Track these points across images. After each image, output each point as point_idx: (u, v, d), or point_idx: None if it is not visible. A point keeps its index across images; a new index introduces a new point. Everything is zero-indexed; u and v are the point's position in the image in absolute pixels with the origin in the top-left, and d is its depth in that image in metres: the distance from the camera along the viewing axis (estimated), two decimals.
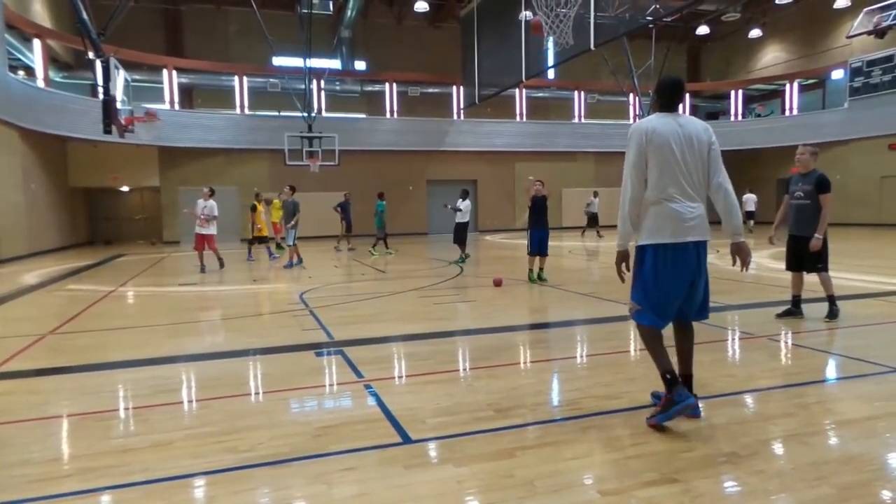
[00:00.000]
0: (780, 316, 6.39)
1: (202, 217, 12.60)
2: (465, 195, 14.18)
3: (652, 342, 3.45)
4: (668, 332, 3.47)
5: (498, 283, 9.45)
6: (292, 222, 13.40)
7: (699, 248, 3.39)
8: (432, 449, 3.16)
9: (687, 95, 30.36)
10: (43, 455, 3.21)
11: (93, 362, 5.26)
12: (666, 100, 3.48)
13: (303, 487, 2.75)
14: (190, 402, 4.21)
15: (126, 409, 4.05)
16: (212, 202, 12.65)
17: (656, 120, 3.40)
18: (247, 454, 3.11)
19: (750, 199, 22.32)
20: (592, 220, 22.22)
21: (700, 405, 3.52)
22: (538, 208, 9.87)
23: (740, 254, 3.46)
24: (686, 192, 3.35)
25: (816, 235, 5.92)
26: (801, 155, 6.11)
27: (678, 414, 3.28)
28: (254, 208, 15.83)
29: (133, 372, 4.92)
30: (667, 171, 3.33)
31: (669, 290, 3.37)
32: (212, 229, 12.69)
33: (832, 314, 6.16)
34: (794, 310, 6.35)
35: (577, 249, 17.44)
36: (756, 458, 2.92)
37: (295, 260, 13.36)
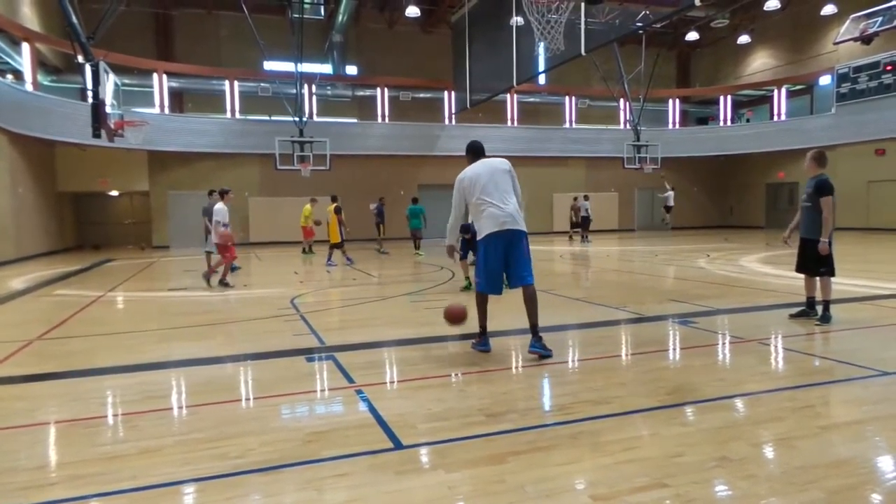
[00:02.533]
0: (793, 316, 6.48)
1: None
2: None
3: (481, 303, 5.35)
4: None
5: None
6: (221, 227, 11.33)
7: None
8: (424, 454, 3.16)
9: (676, 101, 30.68)
10: (30, 462, 3.17)
11: (81, 368, 5.21)
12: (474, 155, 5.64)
13: (294, 494, 2.74)
14: (179, 408, 4.18)
15: (115, 415, 4.01)
16: (218, 205, 10.93)
17: (472, 168, 5.44)
18: (237, 460, 3.09)
19: (670, 196, 24.39)
20: (585, 223, 22.22)
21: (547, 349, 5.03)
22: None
23: None
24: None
25: (822, 239, 5.99)
26: (806, 163, 6.37)
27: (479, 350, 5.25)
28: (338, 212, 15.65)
29: (122, 378, 4.88)
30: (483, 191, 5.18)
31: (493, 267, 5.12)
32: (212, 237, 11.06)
33: (825, 319, 6.21)
34: (808, 311, 6.42)
35: (567, 254, 17.47)
36: (746, 463, 2.93)
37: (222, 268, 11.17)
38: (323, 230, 16.31)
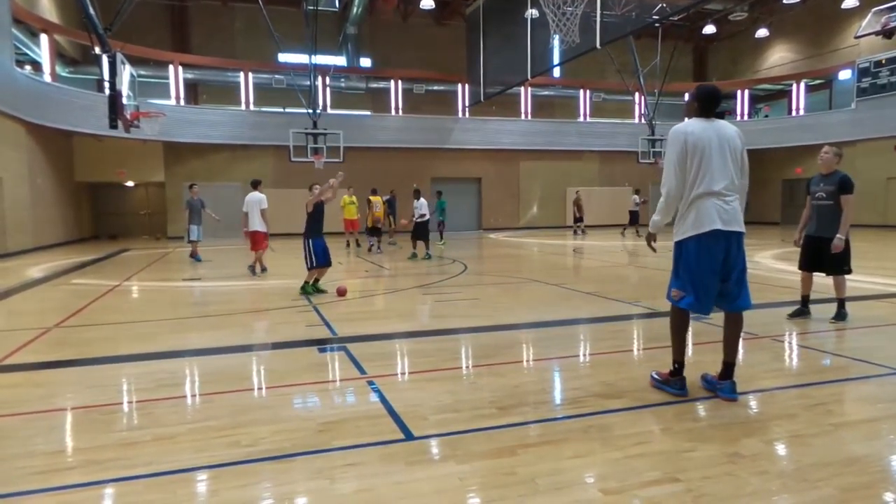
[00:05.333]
0: (791, 316, 6.39)
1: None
2: (417, 195, 15.04)
3: (679, 324, 3.91)
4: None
5: (342, 293, 8.42)
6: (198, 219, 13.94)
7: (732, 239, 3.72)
8: (434, 446, 3.17)
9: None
10: (47, 447, 3.23)
11: (97, 356, 5.29)
12: (704, 106, 3.83)
13: (305, 482, 2.76)
14: (193, 396, 4.22)
15: (130, 402, 4.07)
16: (247, 196, 11.43)
17: (695, 124, 3.77)
18: (249, 449, 3.13)
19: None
20: (633, 218, 21.91)
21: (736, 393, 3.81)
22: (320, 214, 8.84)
23: None
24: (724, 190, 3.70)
25: (839, 236, 5.83)
26: (825, 154, 6.06)
27: (666, 391, 3.90)
28: (368, 203, 16.97)
29: (137, 366, 4.94)
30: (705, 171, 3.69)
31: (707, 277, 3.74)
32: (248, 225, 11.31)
33: (840, 316, 6.11)
34: (804, 309, 6.37)
35: (579, 248, 17.40)
36: (759, 459, 2.91)
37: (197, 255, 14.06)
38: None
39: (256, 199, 11.30)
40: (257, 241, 11.29)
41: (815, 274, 6.33)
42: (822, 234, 6.01)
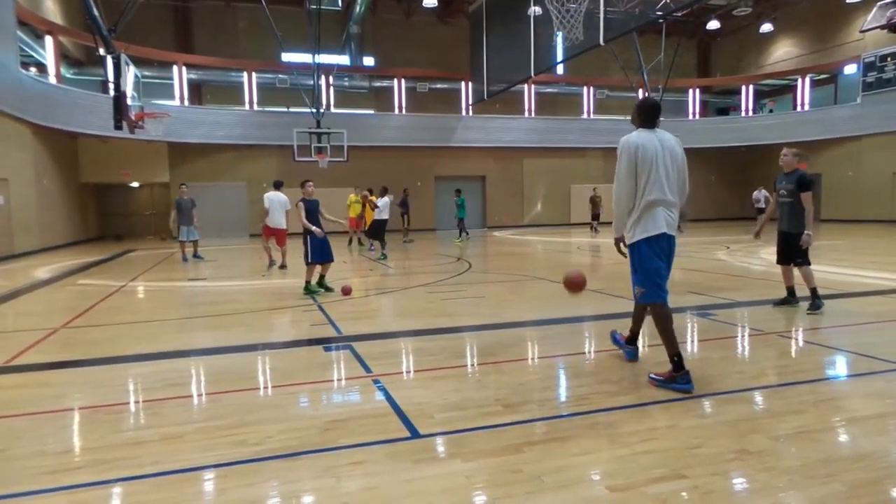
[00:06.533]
0: (776, 304, 6.80)
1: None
2: (383, 192, 15.06)
3: (665, 322, 4.07)
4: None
5: (347, 292, 8.42)
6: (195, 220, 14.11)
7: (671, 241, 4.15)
8: (440, 444, 3.17)
9: (697, 91, 30.26)
10: (56, 447, 3.25)
11: (104, 356, 5.31)
12: (647, 118, 4.20)
13: (311, 481, 2.77)
14: (200, 395, 4.24)
15: (137, 402, 4.08)
16: (269, 194, 11.94)
17: (643, 136, 4.11)
18: (256, 447, 3.14)
19: (761, 196, 21.79)
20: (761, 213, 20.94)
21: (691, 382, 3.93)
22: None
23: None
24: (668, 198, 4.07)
25: (807, 232, 6.29)
26: (784, 155, 6.55)
27: (672, 390, 3.87)
28: (364, 204, 16.98)
29: (144, 366, 4.96)
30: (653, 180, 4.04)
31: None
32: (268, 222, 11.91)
33: (815, 307, 6.36)
34: (790, 298, 6.75)
35: (584, 246, 17.37)
36: (765, 455, 2.91)
37: (190, 254, 14.26)
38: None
39: (282, 200, 11.89)
40: (283, 237, 12.07)
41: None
42: (787, 229, 6.51)
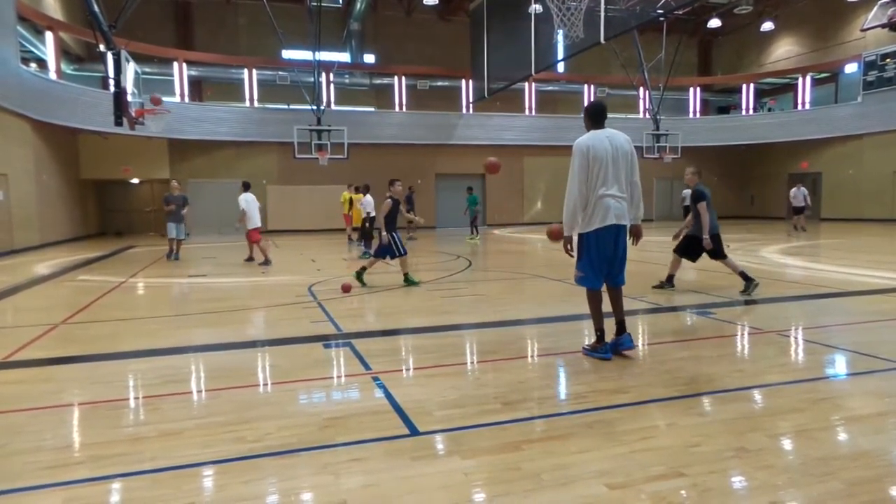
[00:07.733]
0: (655, 287, 7.99)
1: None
2: (366, 191, 15.22)
3: (595, 303, 4.74)
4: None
5: (346, 289, 8.45)
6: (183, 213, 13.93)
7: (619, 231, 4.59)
8: (439, 441, 3.17)
9: (697, 89, 30.23)
10: (55, 442, 3.25)
11: (104, 352, 5.32)
12: (595, 119, 4.75)
13: (310, 477, 2.77)
14: (199, 392, 4.24)
15: (136, 398, 4.09)
16: (245, 196, 12.80)
17: (594, 136, 4.62)
18: (255, 444, 3.14)
19: (800, 194, 19.11)
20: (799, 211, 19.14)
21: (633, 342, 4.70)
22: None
23: (637, 234, 4.78)
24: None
25: (705, 237, 7.48)
26: (685, 175, 7.93)
27: (595, 357, 4.59)
28: (351, 201, 17.18)
29: (143, 362, 4.96)
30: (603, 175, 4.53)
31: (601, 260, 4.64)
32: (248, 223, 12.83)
33: (747, 288, 7.41)
34: (666, 284, 7.98)
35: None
36: (764, 453, 2.91)
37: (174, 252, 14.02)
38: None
39: (254, 200, 12.76)
40: (258, 234, 12.80)
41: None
42: (693, 233, 7.79)
